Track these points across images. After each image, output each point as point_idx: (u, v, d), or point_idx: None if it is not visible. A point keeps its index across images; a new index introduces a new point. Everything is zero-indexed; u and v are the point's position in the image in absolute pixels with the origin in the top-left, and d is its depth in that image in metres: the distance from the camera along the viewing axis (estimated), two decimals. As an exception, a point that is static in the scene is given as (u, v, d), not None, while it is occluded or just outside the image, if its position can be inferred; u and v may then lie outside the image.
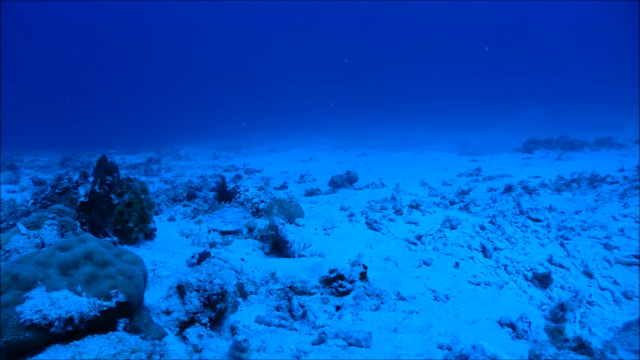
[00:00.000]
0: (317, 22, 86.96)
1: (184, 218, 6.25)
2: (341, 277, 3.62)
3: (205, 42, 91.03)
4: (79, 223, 4.18)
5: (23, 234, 3.66)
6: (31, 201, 5.73)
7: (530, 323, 3.36)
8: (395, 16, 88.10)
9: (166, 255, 4.23)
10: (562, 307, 3.69)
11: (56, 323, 1.82)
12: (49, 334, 1.81)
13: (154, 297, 2.82)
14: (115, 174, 4.73)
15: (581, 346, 2.28)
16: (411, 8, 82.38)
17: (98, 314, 1.90)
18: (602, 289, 4.59)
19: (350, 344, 2.66)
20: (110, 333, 1.89)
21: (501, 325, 3.44)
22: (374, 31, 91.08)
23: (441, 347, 2.77)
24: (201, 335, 2.49)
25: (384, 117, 41.21)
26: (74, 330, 1.85)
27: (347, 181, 10.20)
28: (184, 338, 2.46)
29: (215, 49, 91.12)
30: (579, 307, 3.95)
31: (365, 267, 3.76)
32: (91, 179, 5.08)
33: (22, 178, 11.93)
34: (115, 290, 1.99)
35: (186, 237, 5.30)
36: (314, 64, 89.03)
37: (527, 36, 79.01)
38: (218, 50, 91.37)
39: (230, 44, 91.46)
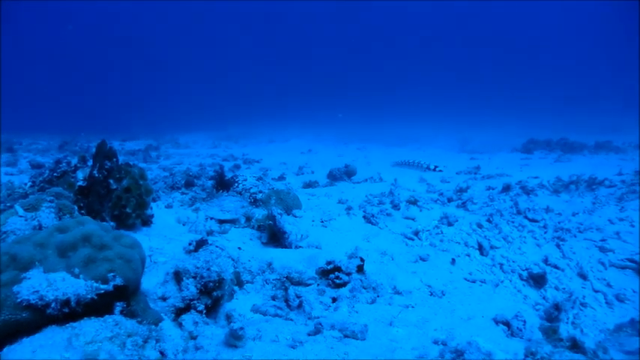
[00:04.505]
0: (317, 16, 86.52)
1: (182, 206, 6.23)
2: (338, 269, 3.63)
3: (206, 31, 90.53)
4: (76, 207, 4.18)
5: (21, 216, 3.65)
6: (29, 184, 5.72)
7: (524, 322, 3.38)
8: (395, 14, 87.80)
9: (163, 241, 4.22)
10: (557, 307, 3.71)
11: (53, 305, 1.81)
12: (46, 315, 1.80)
13: (150, 282, 2.81)
14: (114, 159, 4.71)
15: (575, 346, 2.30)
16: (412, 6, 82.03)
17: (95, 297, 1.90)
18: (596, 291, 4.60)
19: (346, 336, 2.67)
20: (107, 316, 1.89)
21: (496, 322, 3.46)
22: (375, 27, 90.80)
23: (436, 342, 2.78)
24: (197, 322, 2.50)
25: (383, 112, 41.13)
26: (71, 312, 1.85)
27: (345, 174, 10.19)
28: (180, 324, 2.46)
29: (216, 38, 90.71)
30: (572, 308, 3.97)
31: (362, 260, 3.77)
32: (89, 164, 5.07)
33: (20, 160, 11.90)
34: (112, 273, 1.98)
35: (184, 224, 5.29)
36: (316, 57, 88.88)
37: (527, 36, 78.88)
38: (219, 40, 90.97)
39: (231, 33, 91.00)
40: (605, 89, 45.92)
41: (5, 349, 1.65)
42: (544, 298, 4.50)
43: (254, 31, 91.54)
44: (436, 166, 9.70)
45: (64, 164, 5.74)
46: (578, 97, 42.14)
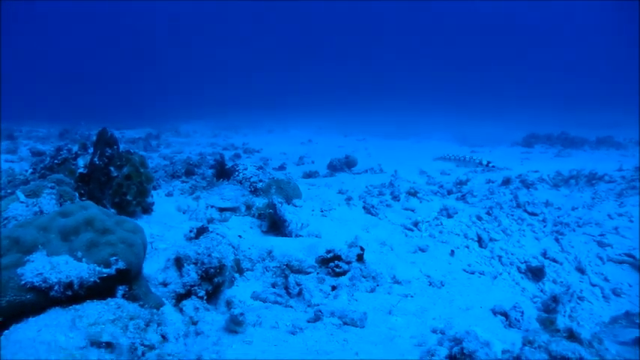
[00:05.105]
0: (317, 10, 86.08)
1: (182, 194, 6.24)
2: (338, 257, 3.65)
3: (207, 23, 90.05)
4: (77, 194, 4.18)
5: (22, 202, 3.65)
6: (30, 170, 5.71)
7: (522, 313, 3.42)
8: (396, 10, 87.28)
9: (164, 229, 4.24)
10: (555, 299, 3.75)
11: (56, 287, 1.83)
12: (49, 297, 1.82)
13: (151, 269, 2.83)
14: (115, 147, 4.71)
15: (572, 336, 2.32)
16: (415, 4, 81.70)
17: (98, 280, 1.91)
18: (593, 285, 4.65)
19: (345, 323, 2.70)
20: (109, 299, 1.90)
21: (494, 313, 3.50)
22: (376, 22, 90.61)
23: (434, 331, 2.81)
24: (198, 308, 2.52)
25: (385, 106, 40.95)
26: (74, 295, 1.86)
27: (346, 165, 10.21)
28: (181, 310, 2.48)
29: (216, 30, 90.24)
30: (570, 301, 4.00)
31: (362, 249, 3.79)
32: (90, 151, 5.07)
33: (20, 148, 11.88)
34: (115, 257, 2.00)
35: (184, 212, 5.30)
36: (317, 48, 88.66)
37: (529, 34, 78.64)
38: (219, 31, 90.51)
39: (232, 25, 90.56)
40: (606, 87, 45.84)
41: (12, 328, 1.67)
42: (542, 291, 4.54)
43: (255, 23, 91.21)
44: (489, 162, 9.38)
45: (64, 151, 5.73)
46: (580, 96, 42.01)
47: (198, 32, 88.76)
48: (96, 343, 1.59)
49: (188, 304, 2.48)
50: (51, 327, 1.63)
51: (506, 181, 8.25)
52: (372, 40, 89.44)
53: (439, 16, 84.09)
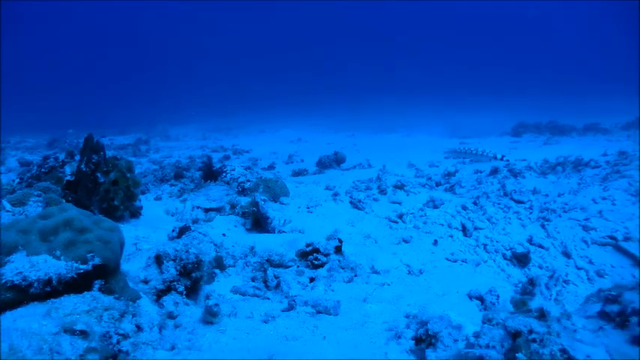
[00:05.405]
0: (309, 8, 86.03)
1: (171, 197, 6.32)
2: (317, 250, 3.72)
3: (202, 22, 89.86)
4: (64, 201, 4.24)
5: (8, 211, 3.72)
6: (17, 180, 5.76)
7: (498, 296, 3.50)
8: (384, 8, 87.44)
9: (150, 230, 4.31)
10: (531, 282, 3.84)
11: (35, 284, 1.92)
12: (29, 294, 1.91)
13: (133, 268, 2.91)
14: (102, 153, 4.77)
15: (542, 315, 2.41)
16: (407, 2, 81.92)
17: (75, 276, 2.00)
18: (579, 269, 4.74)
19: (318, 312, 2.77)
20: (85, 292, 1.99)
21: (470, 297, 3.58)
22: (370, 17, 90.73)
23: (407, 317, 2.87)
24: (177, 303, 2.60)
25: (374, 101, 40.99)
26: (52, 290, 1.95)
27: (334, 161, 10.29)
28: (161, 305, 2.56)
29: (208, 29, 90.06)
30: (555, 285, 4.09)
31: (340, 241, 3.86)
32: (77, 158, 5.12)
33: (8, 159, 11.88)
34: (91, 254, 2.08)
35: (172, 215, 5.38)
36: (309, 46, 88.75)
37: (528, 33, 78.81)
38: (211, 30, 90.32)
39: (224, 24, 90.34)
40: (602, 84, 46.09)
41: None
42: (527, 276, 4.61)
43: (250, 23, 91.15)
44: (503, 156, 9.15)
45: (51, 160, 5.79)
46: (575, 88, 42.16)
47: (192, 34, 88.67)
48: (69, 331, 1.68)
49: (168, 299, 2.56)
50: (26, 317, 1.73)
51: (494, 171, 8.34)
52: (366, 37, 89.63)
53: (429, 12, 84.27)
